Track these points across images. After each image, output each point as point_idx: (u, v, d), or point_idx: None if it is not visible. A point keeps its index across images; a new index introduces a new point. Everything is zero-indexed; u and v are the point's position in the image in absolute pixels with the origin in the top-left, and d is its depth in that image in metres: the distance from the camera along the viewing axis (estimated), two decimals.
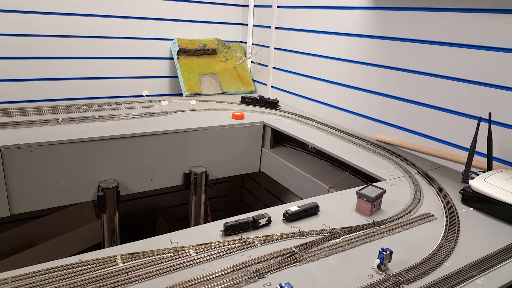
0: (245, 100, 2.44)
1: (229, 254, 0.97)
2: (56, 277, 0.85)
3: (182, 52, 2.64)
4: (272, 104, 2.39)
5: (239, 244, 1.01)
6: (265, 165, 2.18)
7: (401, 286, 0.89)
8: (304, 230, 1.10)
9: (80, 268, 0.88)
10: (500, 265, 0.99)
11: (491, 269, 0.97)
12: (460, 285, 0.90)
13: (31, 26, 2.23)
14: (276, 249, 1.00)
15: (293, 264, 0.95)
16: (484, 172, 1.38)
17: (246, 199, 3.21)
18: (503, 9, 1.41)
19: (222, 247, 0.99)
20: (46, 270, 0.86)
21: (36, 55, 2.29)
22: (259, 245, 1.02)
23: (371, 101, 1.98)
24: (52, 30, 2.29)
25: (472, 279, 0.93)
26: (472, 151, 1.38)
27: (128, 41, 2.53)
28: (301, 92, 2.47)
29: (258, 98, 2.41)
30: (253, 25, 2.85)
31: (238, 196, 3.28)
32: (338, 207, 1.25)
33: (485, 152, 1.41)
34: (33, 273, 0.85)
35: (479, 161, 1.49)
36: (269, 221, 1.12)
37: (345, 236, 1.08)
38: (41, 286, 0.82)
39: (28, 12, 2.20)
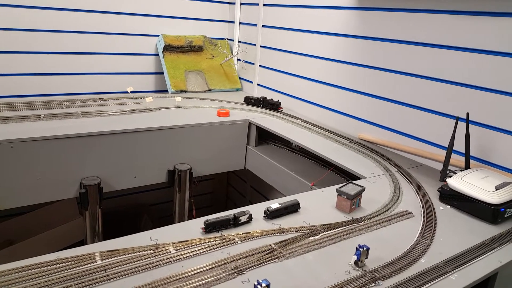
0: (248, 101, 2.44)
1: (209, 251, 0.98)
2: (33, 274, 0.84)
3: (168, 48, 2.63)
4: (274, 106, 2.36)
5: (219, 241, 1.02)
6: (250, 163, 2.19)
7: (377, 282, 0.91)
8: (285, 227, 1.11)
9: (58, 265, 0.87)
10: (473, 262, 1.02)
11: (465, 265, 1.00)
12: (434, 281, 0.93)
13: (13, 20, 2.19)
14: (255, 246, 1.01)
15: (272, 261, 0.96)
16: (462, 170, 1.41)
17: (232, 196, 3.22)
18: (481, 11, 1.44)
19: (202, 244, 1.00)
20: (23, 267, 0.85)
21: (17, 49, 2.24)
22: (239, 242, 1.03)
23: (355, 100, 2.01)
24: (35, 25, 2.25)
25: (446, 275, 0.95)
26: (449, 150, 1.41)
27: (112, 36, 2.51)
28: (287, 91, 2.48)
29: (261, 99, 2.41)
30: (240, 23, 2.85)
31: (224, 193, 3.28)
32: (319, 204, 1.27)
33: (463, 151, 1.45)
34: (9, 270, 0.84)
35: (458, 160, 1.53)
36: (250, 218, 1.13)
37: (325, 233, 1.10)
38: (17, 284, 0.81)
39: (9, 5, 2.16)
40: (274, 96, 2.55)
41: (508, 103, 1.41)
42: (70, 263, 0.88)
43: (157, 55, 2.69)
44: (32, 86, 2.33)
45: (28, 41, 2.26)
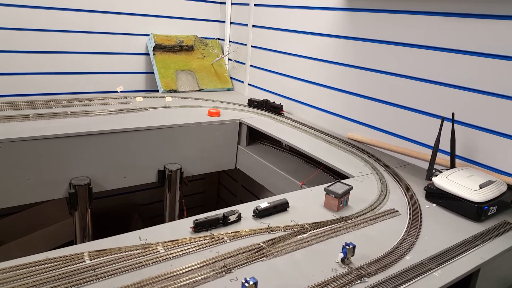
0: (251, 103, 2.43)
1: (197, 251, 0.99)
2: (21, 274, 0.84)
3: (158, 48, 2.62)
4: (276, 109, 2.34)
5: (208, 240, 1.03)
6: (240, 162, 2.20)
7: (362, 279, 0.92)
8: (273, 226, 1.13)
9: (46, 265, 0.88)
10: (456, 259, 1.04)
11: (448, 262, 1.02)
12: (418, 278, 0.95)
13: (0, 19, 2.17)
14: (244, 244, 1.02)
15: (260, 259, 0.97)
16: (447, 169, 1.44)
17: (223, 195, 3.23)
18: (467, 13, 1.47)
19: (191, 244, 1.01)
20: (11, 267, 0.85)
21: (5, 48, 2.22)
22: (228, 241, 1.04)
23: (344, 100, 2.03)
24: (24, 24, 2.23)
25: (429, 272, 0.98)
26: (435, 149, 1.44)
27: (102, 35, 2.49)
28: (277, 90, 2.49)
29: (264, 102, 2.39)
30: (231, 23, 2.85)
31: (215, 192, 3.29)
32: (308, 203, 1.28)
33: (449, 151, 1.47)
34: None
35: (443, 159, 1.56)
36: (239, 218, 1.14)
37: (312, 231, 1.11)
38: (5, 284, 0.81)
39: None
40: (265, 96, 2.56)
41: (493, 103, 1.44)
42: (58, 263, 0.89)
43: (148, 54, 2.68)
44: (20, 86, 2.31)
45: (17, 40, 2.24)
